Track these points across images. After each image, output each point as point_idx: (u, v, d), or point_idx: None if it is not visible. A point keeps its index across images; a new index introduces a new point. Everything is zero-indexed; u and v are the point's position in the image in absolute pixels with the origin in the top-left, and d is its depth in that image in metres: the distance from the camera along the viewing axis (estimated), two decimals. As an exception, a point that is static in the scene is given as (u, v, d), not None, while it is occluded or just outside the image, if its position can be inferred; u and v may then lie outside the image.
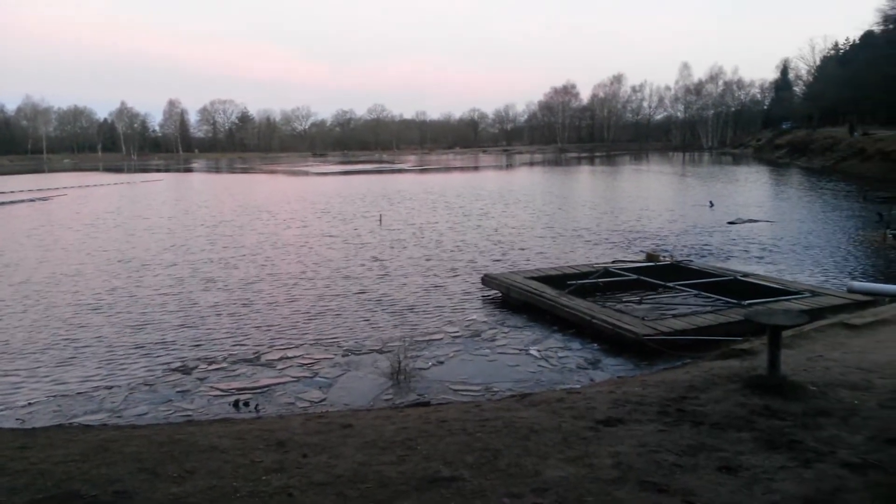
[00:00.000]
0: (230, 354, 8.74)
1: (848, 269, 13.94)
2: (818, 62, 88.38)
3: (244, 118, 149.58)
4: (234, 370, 8.14)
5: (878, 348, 6.84)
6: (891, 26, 48.19)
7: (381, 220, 23.52)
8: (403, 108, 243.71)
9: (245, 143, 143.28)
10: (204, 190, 45.05)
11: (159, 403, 7.09)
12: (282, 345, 9.14)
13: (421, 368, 7.90)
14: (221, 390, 7.43)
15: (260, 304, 11.57)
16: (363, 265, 15.25)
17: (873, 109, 61.44)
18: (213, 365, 8.33)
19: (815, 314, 8.37)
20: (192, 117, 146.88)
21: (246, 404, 6.98)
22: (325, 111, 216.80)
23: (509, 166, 74.49)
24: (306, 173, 67.36)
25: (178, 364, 8.39)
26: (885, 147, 43.86)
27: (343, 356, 8.59)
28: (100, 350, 9.05)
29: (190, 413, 6.76)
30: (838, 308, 9.07)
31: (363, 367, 8.11)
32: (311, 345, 9.12)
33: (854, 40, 74.00)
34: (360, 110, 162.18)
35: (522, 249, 17.18)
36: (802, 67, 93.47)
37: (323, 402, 7.00)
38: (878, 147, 45.17)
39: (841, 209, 25.09)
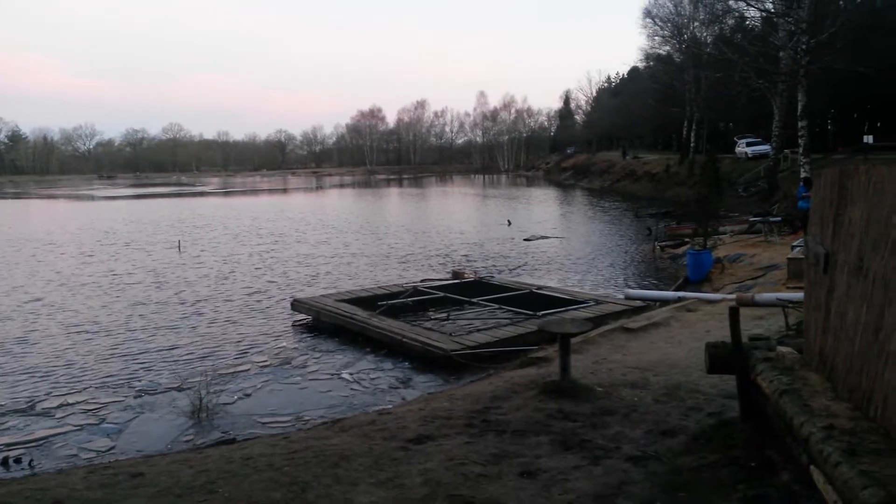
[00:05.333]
0: (-4, 407, 7.59)
1: (625, 278, 15.58)
2: (594, 93, 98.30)
3: (15, 137, 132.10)
4: (2, 423, 7.08)
5: (652, 349, 7.69)
6: (651, 63, 55.21)
7: (180, 247, 22.01)
8: (204, 127, 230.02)
9: (17, 165, 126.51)
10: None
11: None
12: (61, 391, 8.12)
13: (226, 403, 7.44)
14: (-15, 449, 6.42)
15: (34, 347, 10.21)
16: (160, 297, 14.12)
17: (641, 135, 69.72)
18: (-27, 421, 7.18)
19: (598, 321, 9.21)
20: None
21: (17, 461, 6.08)
22: (113, 130, 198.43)
23: (319, 188, 73.72)
24: (92, 197, 61.24)
25: (-73, 424, 7.12)
26: (651, 169, 49.93)
27: (135, 398, 7.83)
28: None
29: (-57, 480, 5.74)
30: (618, 314, 10.05)
31: (159, 408, 7.46)
32: (97, 388, 8.20)
33: (623, 74, 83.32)
34: (155, 129, 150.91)
35: (334, 273, 17.01)
36: (582, 98, 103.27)
37: (111, 451, 6.30)
38: (645, 169, 51.29)
39: (618, 225, 28.05)
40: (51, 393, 8.04)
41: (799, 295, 7.49)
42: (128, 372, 8.86)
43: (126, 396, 7.87)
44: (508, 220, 29.18)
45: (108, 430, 6.90)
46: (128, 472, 4.47)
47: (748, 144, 39.67)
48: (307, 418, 7.01)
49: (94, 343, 10.44)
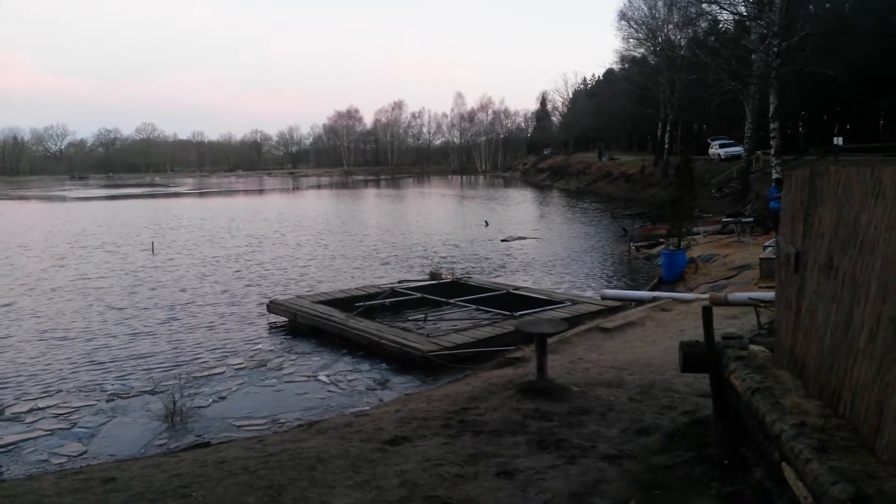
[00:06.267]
0: (-38, 412, 7.42)
1: (601, 279, 15.69)
2: (571, 95, 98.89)
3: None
4: (-33, 430, 6.93)
5: (627, 348, 7.75)
6: (626, 65, 55.65)
7: (153, 249, 21.71)
8: (178, 127, 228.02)
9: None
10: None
11: None
12: (32, 395, 7.97)
13: (200, 407, 7.36)
14: (-49, 456, 6.27)
15: (2, 355, 9.99)
16: (133, 300, 13.91)
17: (617, 137, 70.28)
18: (-62, 427, 7.01)
19: (575, 321, 9.27)
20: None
21: (-15, 468, 5.97)
22: (85, 130, 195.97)
23: (296, 189, 73.19)
24: (64, 198, 60.17)
25: None
26: (627, 170, 50.37)
27: (108, 401, 7.71)
28: None
29: None
30: (594, 314, 10.12)
31: (132, 412, 7.36)
32: (68, 392, 8.06)
33: (599, 76, 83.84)
34: (128, 129, 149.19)
35: (312, 275, 16.91)
36: (558, 99, 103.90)
37: (83, 456, 6.20)
38: (621, 170, 51.72)
39: (594, 226, 28.24)
40: (20, 397, 7.88)
41: (770, 294, 7.59)
42: (100, 376, 8.72)
43: (98, 400, 7.75)
44: (486, 221, 29.25)
45: (79, 434, 6.80)
46: (99, 477, 4.39)
47: (721, 146, 40.24)
48: (283, 421, 6.96)
49: (66, 347, 10.25)
